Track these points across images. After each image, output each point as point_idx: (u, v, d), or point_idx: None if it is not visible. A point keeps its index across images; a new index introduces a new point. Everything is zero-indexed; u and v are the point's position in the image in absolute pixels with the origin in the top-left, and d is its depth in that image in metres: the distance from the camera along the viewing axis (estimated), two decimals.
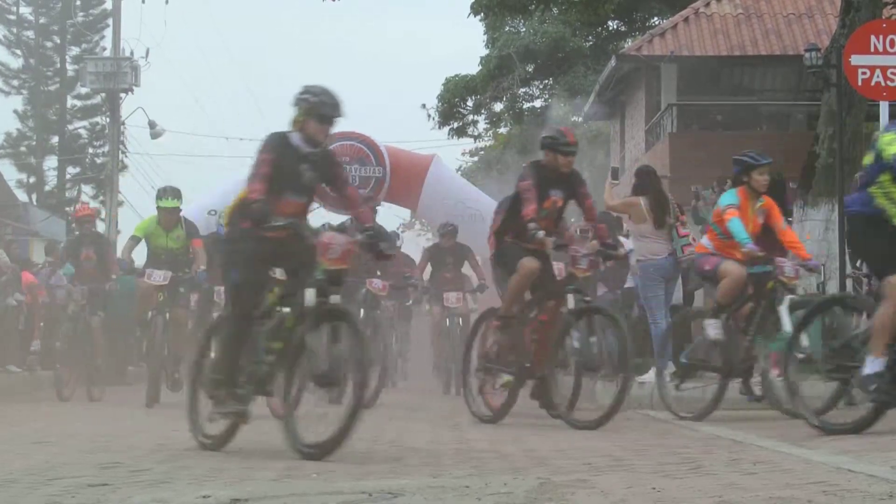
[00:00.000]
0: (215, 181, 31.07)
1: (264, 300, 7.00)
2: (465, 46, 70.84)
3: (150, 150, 42.18)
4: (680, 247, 11.65)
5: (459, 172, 32.89)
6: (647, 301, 11.70)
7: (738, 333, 9.73)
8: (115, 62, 28.93)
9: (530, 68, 31.02)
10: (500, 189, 28.97)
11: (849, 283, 12.89)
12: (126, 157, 33.61)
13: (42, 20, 43.98)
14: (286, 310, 6.85)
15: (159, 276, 12.14)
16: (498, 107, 32.58)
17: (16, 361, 16.49)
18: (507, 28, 31.57)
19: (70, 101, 44.22)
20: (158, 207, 12.46)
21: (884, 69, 12.23)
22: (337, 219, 14.27)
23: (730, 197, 9.77)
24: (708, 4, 24.41)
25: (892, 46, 12.23)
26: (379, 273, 13.12)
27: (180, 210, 12.58)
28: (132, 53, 29.34)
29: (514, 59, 30.11)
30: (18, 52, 43.83)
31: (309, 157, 6.96)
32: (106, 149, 34.58)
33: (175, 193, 12.49)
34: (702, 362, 9.96)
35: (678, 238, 11.67)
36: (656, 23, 28.64)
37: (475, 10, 31.42)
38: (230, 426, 7.02)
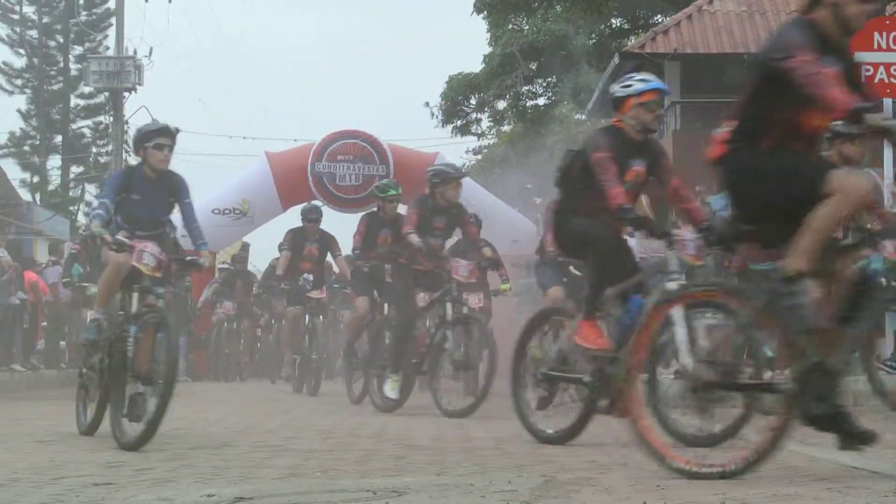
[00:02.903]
0: (218, 180, 31.09)
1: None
2: (469, 44, 70.95)
3: None
4: None
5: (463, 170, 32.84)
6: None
7: None
8: (118, 61, 28.92)
9: (533, 66, 30.97)
10: (504, 187, 28.98)
11: None
12: (130, 155, 33.64)
13: (45, 19, 44.05)
14: None
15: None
16: (501, 105, 32.53)
17: (20, 361, 16.53)
18: (510, 26, 31.54)
19: (73, 101, 44.34)
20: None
21: (888, 66, 12.22)
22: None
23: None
24: (711, 2, 24.39)
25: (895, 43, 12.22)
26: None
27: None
28: (135, 52, 29.37)
29: (518, 56, 30.05)
30: (22, 51, 43.93)
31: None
32: (109, 148, 34.66)
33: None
34: None
35: None
36: (660, 20, 28.64)
37: (478, 7, 31.45)
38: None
